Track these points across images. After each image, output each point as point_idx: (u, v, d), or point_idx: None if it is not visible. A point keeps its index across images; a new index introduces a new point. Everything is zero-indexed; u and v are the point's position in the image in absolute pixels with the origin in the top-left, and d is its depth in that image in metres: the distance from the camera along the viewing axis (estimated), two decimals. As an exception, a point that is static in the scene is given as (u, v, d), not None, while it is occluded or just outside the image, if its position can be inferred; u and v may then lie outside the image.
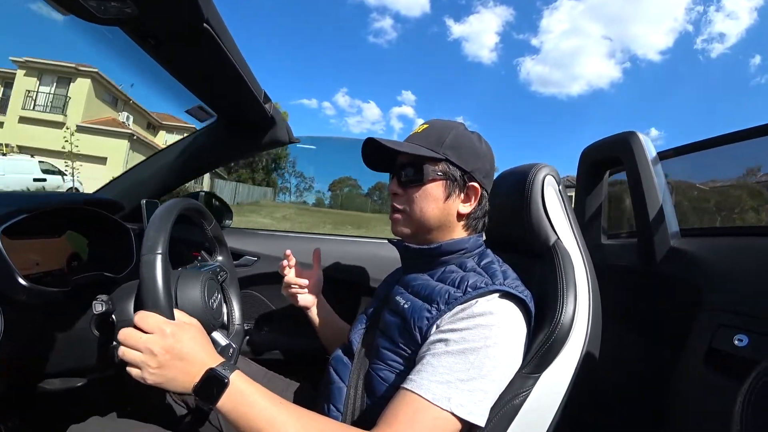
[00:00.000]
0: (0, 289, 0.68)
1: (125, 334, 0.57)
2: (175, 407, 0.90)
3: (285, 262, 0.98)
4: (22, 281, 0.69)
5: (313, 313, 1.01)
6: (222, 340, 0.74)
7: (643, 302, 1.04)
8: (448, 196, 0.74)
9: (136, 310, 0.70)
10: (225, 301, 0.90)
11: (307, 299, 1.00)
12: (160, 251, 0.59)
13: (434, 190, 0.74)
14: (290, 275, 0.99)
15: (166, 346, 0.56)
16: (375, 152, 0.80)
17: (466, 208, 0.75)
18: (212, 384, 0.55)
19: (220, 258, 0.95)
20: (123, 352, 0.56)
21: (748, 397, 0.41)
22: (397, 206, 0.78)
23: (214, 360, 0.58)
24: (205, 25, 0.57)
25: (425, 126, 0.78)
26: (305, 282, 0.99)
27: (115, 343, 0.66)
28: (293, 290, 0.99)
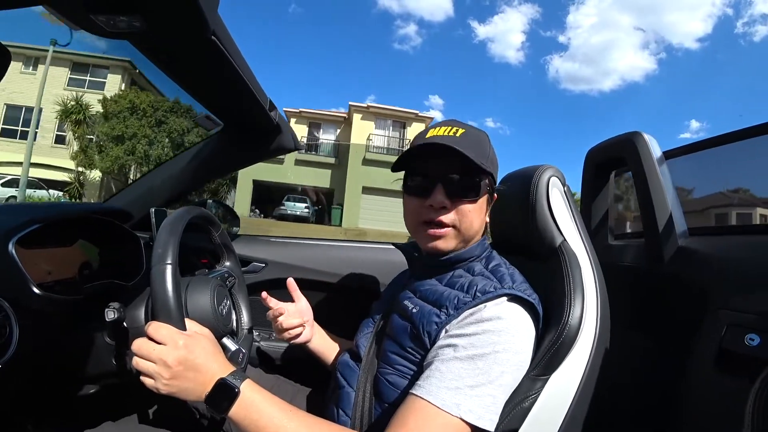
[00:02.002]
0: (15, 298, 0.69)
1: (139, 344, 0.58)
2: (189, 414, 0.91)
3: (270, 312, 0.90)
4: (36, 290, 0.71)
5: (314, 345, 0.96)
6: (232, 345, 0.75)
7: (651, 302, 1.03)
8: (487, 210, 0.75)
9: (147, 319, 0.72)
10: (234, 307, 0.90)
11: (305, 335, 0.94)
12: (169, 261, 0.60)
13: (484, 204, 0.73)
14: (283, 320, 0.90)
15: (179, 357, 0.57)
16: (418, 155, 0.72)
17: (487, 218, 0.76)
18: (223, 393, 0.56)
19: (227, 264, 0.96)
20: (137, 362, 0.58)
21: (759, 395, 0.41)
22: (445, 221, 0.70)
23: (225, 369, 0.59)
24: (211, 37, 0.59)
25: (461, 131, 0.71)
26: (298, 321, 0.91)
27: (128, 351, 0.67)
28: (289, 334, 0.91)
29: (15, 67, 18.19)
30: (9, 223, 0.75)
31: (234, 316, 0.88)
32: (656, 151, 1.06)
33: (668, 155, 1.10)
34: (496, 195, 0.76)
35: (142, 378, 0.58)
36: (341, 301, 1.07)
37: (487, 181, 0.71)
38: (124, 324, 0.72)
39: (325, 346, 0.98)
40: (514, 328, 0.62)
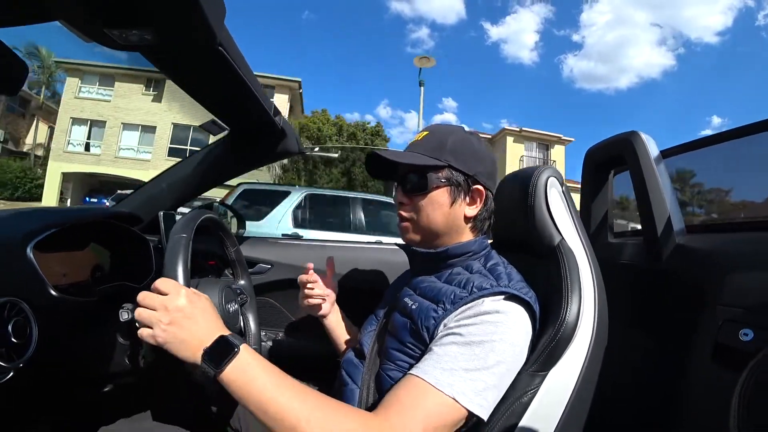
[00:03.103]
0: (33, 300, 0.72)
1: (143, 295, 0.59)
2: (199, 410, 0.93)
3: (305, 277, 0.95)
4: (52, 292, 0.74)
5: (330, 321, 1.01)
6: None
7: (650, 299, 1.04)
8: (453, 202, 0.75)
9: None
10: (243, 322, 0.93)
11: (325, 308, 0.99)
12: (185, 235, 0.66)
13: (439, 196, 0.75)
14: (313, 288, 0.96)
15: (180, 305, 0.58)
16: (379, 164, 0.81)
17: (472, 211, 0.77)
18: (223, 350, 0.56)
19: (242, 282, 1.01)
20: (138, 312, 0.59)
21: (744, 384, 0.42)
22: (404, 215, 0.79)
23: (225, 330, 0.60)
24: (218, 47, 0.61)
25: (425, 133, 0.80)
26: (325, 292, 0.99)
27: (141, 349, 0.70)
28: (313, 301, 0.97)
29: (137, 89, 19.52)
30: (26, 227, 0.77)
31: (241, 320, 0.91)
32: (653, 150, 1.07)
33: (665, 154, 1.11)
34: (481, 185, 0.77)
35: (139, 332, 0.58)
36: (346, 301, 1.09)
37: (440, 174, 0.75)
38: (137, 324, 0.75)
39: (339, 326, 1.02)
40: (511, 321, 0.63)
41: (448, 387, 0.57)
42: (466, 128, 0.81)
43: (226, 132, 1.16)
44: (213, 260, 1.21)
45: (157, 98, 19.65)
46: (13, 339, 0.66)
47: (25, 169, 19.87)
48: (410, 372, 0.61)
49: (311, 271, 0.95)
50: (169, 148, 19.40)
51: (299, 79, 21.13)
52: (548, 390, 0.64)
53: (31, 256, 0.73)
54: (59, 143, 19.39)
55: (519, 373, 0.65)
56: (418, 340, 0.68)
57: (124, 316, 0.69)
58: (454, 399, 0.57)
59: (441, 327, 0.65)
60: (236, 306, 0.82)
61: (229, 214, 1.48)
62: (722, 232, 1.01)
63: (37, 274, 0.73)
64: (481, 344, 0.60)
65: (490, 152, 0.81)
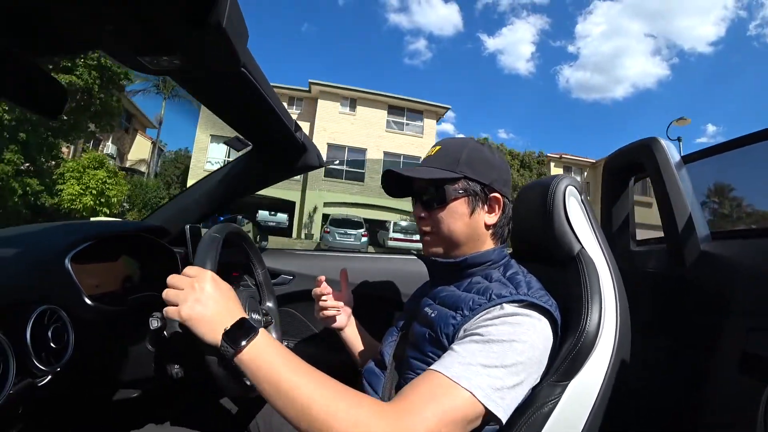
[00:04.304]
0: (70, 308, 0.76)
1: (173, 276, 0.63)
2: (222, 415, 0.96)
3: (318, 290, 0.97)
4: (87, 300, 0.78)
5: (346, 333, 1.01)
6: None
7: (675, 308, 1.01)
8: (473, 211, 0.76)
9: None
10: None
11: (341, 320, 1.00)
12: (219, 235, 0.74)
13: (459, 207, 0.76)
14: (327, 300, 0.97)
15: (206, 287, 0.62)
16: (395, 181, 0.83)
17: (492, 219, 0.77)
18: (243, 331, 0.58)
19: (269, 305, 1.05)
20: (166, 292, 0.62)
21: None
22: (425, 229, 0.79)
23: (246, 315, 0.63)
24: (242, 69, 0.65)
25: (438, 148, 0.81)
26: (339, 304, 0.99)
27: (168, 356, 0.73)
28: (328, 313, 0.97)
29: (333, 107, 19.17)
30: (65, 240, 0.83)
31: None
32: (675, 155, 1.06)
33: (686, 160, 1.09)
34: (498, 193, 0.77)
35: (165, 309, 0.61)
36: (366, 311, 1.11)
37: (457, 185, 0.75)
38: (165, 333, 0.78)
39: (356, 338, 1.02)
40: (530, 324, 0.63)
41: (465, 380, 0.57)
42: (475, 139, 0.82)
43: (249, 148, 1.21)
44: (236, 271, 1.24)
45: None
46: (51, 344, 0.71)
47: (158, 187, 19.39)
48: (430, 368, 0.61)
49: (324, 284, 0.96)
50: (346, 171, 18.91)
51: (448, 106, 20.62)
52: (570, 400, 0.64)
53: (69, 267, 0.78)
54: (199, 161, 19.16)
55: (539, 383, 0.64)
56: (439, 347, 0.68)
57: (153, 324, 0.72)
58: (471, 393, 0.56)
59: (461, 332, 0.66)
60: (259, 317, 0.85)
61: (253, 226, 1.52)
62: (748, 238, 0.98)
63: (74, 284, 0.77)
64: (501, 343, 0.60)
65: (504, 160, 0.82)
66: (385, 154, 19.01)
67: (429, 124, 19.97)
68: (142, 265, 1.07)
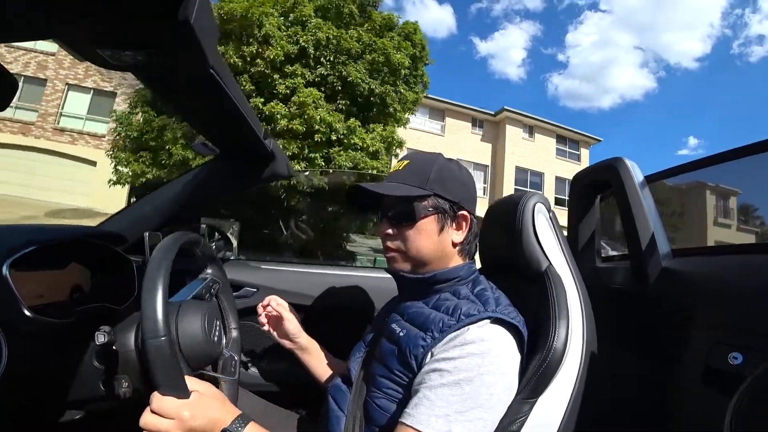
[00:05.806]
0: (6, 320, 0.69)
1: (145, 420, 0.58)
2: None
3: (259, 310, 0.99)
4: (27, 312, 0.71)
5: (303, 357, 1.01)
6: (225, 352, 0.80)
7: (639, 323, 1.04)
8: (441, 229, 0.75)
9: (137, 343, 0.72)
10: (221, 310, 0.93)
11: (287, 344, 1.00)
12: (163, 335, 0.58)
13: (428, 225, 0.75)
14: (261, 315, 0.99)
15: (186, 428, 0.58)
16: (363, 195, 0.80)
17: (459, 236, 0.77)
18: None
19: (209, 271, 0.97)
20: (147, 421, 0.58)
21: (735, 409, 0.42)
22: (391, 245, 0.78)
23: (229, 417, 0.60)
24: (210, 71, 0.62)
25: (406, 162, 0.79)
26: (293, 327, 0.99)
27: (117, 375, 0.67)
28: (267, 325, 1.00)
29: (517, 132, 19.78)
30: (4, 244, 0.75)
31: (224, 340, 0.89)
32: (638, 175, 1.10)
33: (650, 179, 1.14)
34: (465, 211, 0.77)
35: None
36: (333, 326, 1.08)
37: (426, 203, 0.75)
38: (114, 347, 0.72)
39: (319, 359, 1.01)
40: (497, 349, 0.63)
41: None
42: (444, 156, 0.81)
43: (215, 153, 1.16)
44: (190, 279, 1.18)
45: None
46: None
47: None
48: (405, 422, 0.59)
49: (267, 299, 0.99)
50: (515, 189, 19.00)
51: (600, 138, 21.06)
52: (538, 417, 0.64)
53: (7, 274, 0.71)
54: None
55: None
56: (407, 368, 0.67)
57: (100, 339, 0.66)
58: None
59: (428, 356, 0.65)
60: (219, 326, 0.80)
61: (216, 237, 1.46)
62: (707, 255, 1.02)
63: (11, 294, 0.70)
64: (470, 381, 0.60)
65: (471, 177, 0.82)
66: (557, 179, 20.10)
67: (584, 153, 21.36)
68: (93, 274, 0.99)
